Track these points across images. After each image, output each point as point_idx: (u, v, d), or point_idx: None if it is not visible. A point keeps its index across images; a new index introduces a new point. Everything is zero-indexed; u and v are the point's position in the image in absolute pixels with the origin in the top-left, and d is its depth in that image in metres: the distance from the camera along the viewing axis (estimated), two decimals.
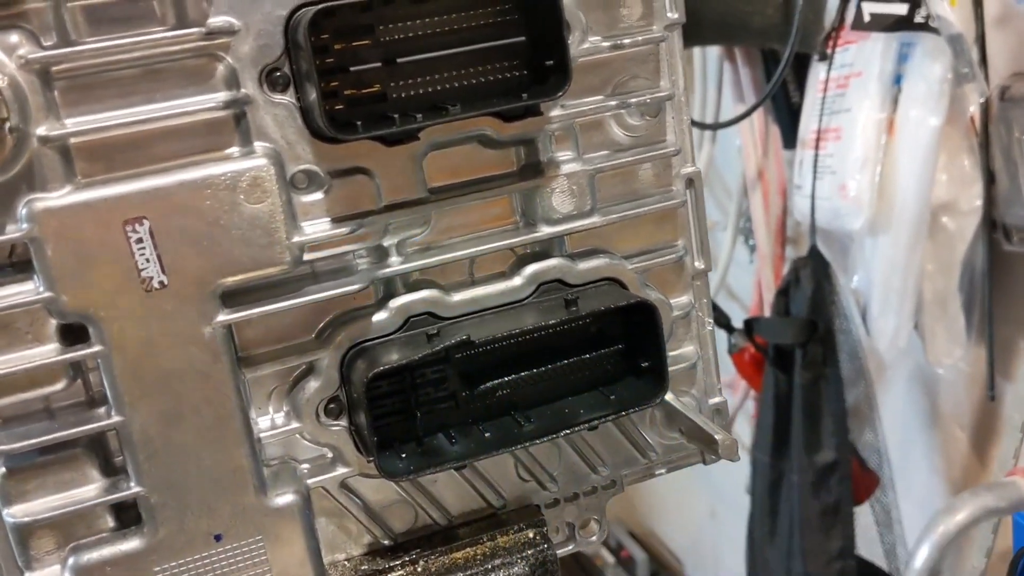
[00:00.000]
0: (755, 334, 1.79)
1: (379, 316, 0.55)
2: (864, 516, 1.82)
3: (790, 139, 1.80)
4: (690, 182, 0.60)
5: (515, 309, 0.57)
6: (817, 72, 1.63)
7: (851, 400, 1.76)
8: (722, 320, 1.89)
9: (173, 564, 0.53)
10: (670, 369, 0.61)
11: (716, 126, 1.83)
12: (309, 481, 0.57)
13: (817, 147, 1.60)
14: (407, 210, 0.53)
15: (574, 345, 0.59)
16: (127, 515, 0.53)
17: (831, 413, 1.70)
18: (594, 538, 0.66)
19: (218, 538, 0.53)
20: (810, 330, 1.67)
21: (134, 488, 0.51)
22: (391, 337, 0.55)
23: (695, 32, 1.77)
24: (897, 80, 1.49)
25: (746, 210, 2.04)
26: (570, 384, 0.60)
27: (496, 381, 0.58)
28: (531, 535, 0.61)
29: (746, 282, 2.11)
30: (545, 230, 0.57)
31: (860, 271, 1.57)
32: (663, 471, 0.67)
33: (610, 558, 2.99)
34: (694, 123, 1.87)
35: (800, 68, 1.71)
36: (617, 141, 0.58)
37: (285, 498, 0.55)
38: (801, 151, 1.68)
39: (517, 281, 0.57)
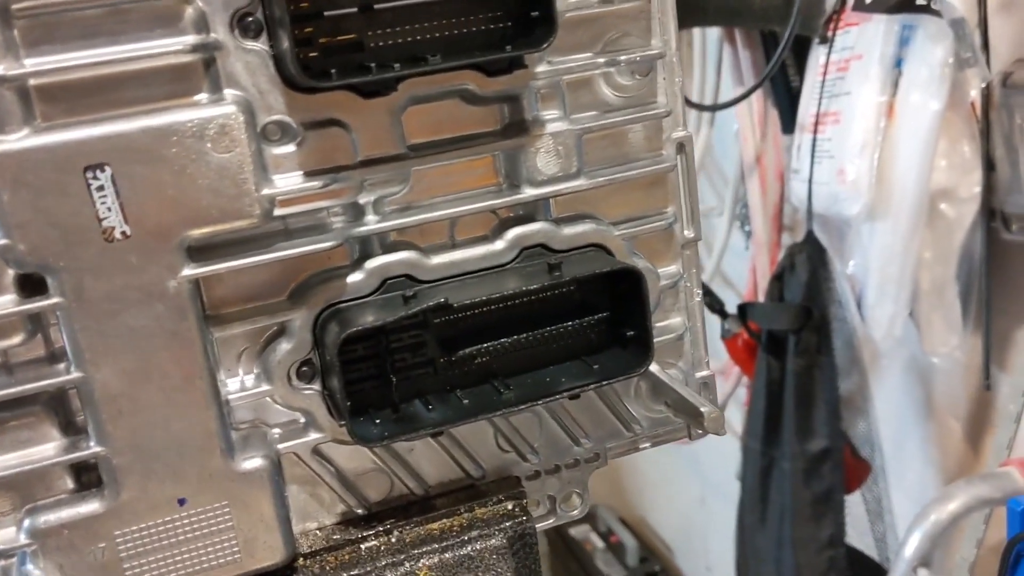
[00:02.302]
0: (749, 320, 1.77)
1: (354, 277, 0.53)
2: (855, 505, 1.80)
3: (789, 124, 1.78)
4: (681, 147, 0.58)
5: (496, 274, 0.55)
6: (817, 55, 1.61)
7: (845, 389, 1.74)
8: (716, 305, 1.88)
9: (134, 528, 0.51)
10: (656, 340, 0.59)
11: (714, 107, 1.81)
12: (280, 446, 0.55)
13: (816, 131, 1.58)
14: (384, 166, 0.51)
15: (557, 312, 0.57)
16: (88, 477, 0.52)
17: (824, 400, 1.69)
18: (576, 512, 0.64)
19: (182, 502, 0.51)
20: (804, 316, 1.65)
21: (94, 448, 0.49)
22: (366, 299, 0.53)
23: (695, 13, 1.75)
24: (898, 63, 1.47)
25: (743, 195, 2.02)
26: (552, 353, 0.58)
27: (475, 348, 0.56)
28: (510, 507, 0.59)
29: (741, 269, 2.09)
30: (529, 192, 0.55)
31: (857, 257, 1.55)
32: (648, 445, 0.65)
33: (600, 543, 2.98)
34: (692, 104, 1.85)
35: (800, 51, 1.69)
36: (606, 101, 0.56)
37: (253, 463, 0.53)
38: (799, 135, 1.66)
39: (499, 245, 0.55)
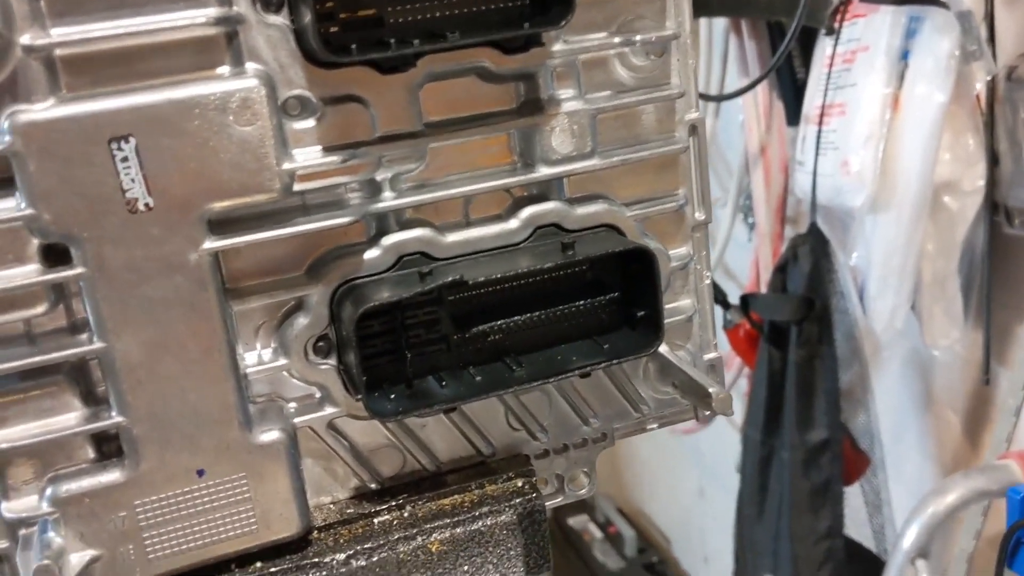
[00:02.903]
0: (751, 310, 1.78)
1: (371, 253, 0.54)
2: (854, 497, 1.81)
3: (794, 116, 1.79)
4: (693, 128, 0.59)
5: (510, 252, 0.56)
6: (824, 46, 1.62)
7: (845, 381, 1.75)
8: (718, 296, 1.88)
9: (154, 498, 0.51)
10: (666, 321, 0.60)
11: (720, 98, 1.82)
12: (296, 420, 0.56)
13: (821, 123, 1.59)
14: (402, 143, 0.52)
15: (569, 292, 0.58)
16: (109, 447, 0.52)
17: (825, 392, 1.70)
18: (583, 491, 0.65)
19: (200, 473, 0.52)
20: (806, 308, 1.66)
21: (116, 418, 0.50)
22: (382, 276, 0.54)
23: (702, 4, 1.75)
24: (904, 55, 1.47)
25: (747, 187, 2.02)
26: (564, 332, 0.59)
27: (488, 325, 0.56)
28: (520, 484, 0.60)
29: (744, 261, 2.10)
30: (544, 171, 0.55)
31: (859, 249, 1.56)
32: (655, 426, 0.66)
33: (598, 534, 2.99)
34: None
35: (807, 43, 1.70)
36: (620, 81, 0.56)
37: (270, 435, 0.53)
38: (804, 127, 1.66)
39: (513, 224, 0.56)
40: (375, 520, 0.57)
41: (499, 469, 0.61)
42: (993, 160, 1.44)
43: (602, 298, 0.58)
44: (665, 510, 3.00)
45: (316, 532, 0.57)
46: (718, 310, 1.92)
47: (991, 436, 1.59)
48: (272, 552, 0.55)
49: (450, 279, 0.52)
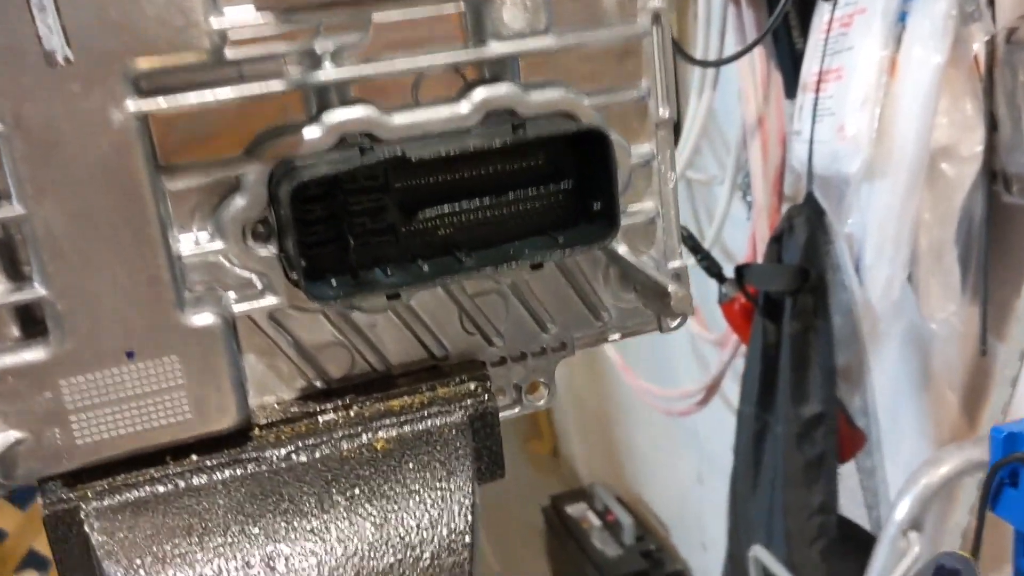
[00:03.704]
0: (746, 282, 1.76)
1: (311, 132, 0.52)
2: (849, 476, 1.79)
3: (792, 88, 1.76)
4: (656, 17, 0.57)
5: (459, 134, 0.54)
6: (822, 13, 1.59)
7: (842, 358, 1.72)
8: (713, 269, 1.86)
9: (81, 379, 0.49)
10: (626, 222, 0.58)
11: (716, 63, 1.79)
12: (235, 308, 0.53)
13: (818, 90, 1.57)
14: (341, 8, 0.50)
15: (522, 180, 0.55)
16: (36, 328, 0.50)
17: (819, 365, 1.67)
18: (542, 402, 0.62)
19: (130, 355, 0.50)
20: (802, 278, 1.63)
21: (39, 291, 0.48)
22: (323, 156, 0.52)
23: None
24: (902, 17, 1.45)
25: (744, 163, 2.00)
26: (517, 228, 0.56)
27: (437, 212, 0.54)
28: (472, 387, 0.58)
29: (742, 240, 2.07)
30: (495, 46, 0.53)
31: (854, 216, 1.53)
32: (617, 336, 0.63)
33: (596, 521, 2.97)
34: (692, 60, 1.83)
35: (805, 13, 1.67)
36: None
37: (205, 318, 0.51)
38: (802, 96, 1.64)
39: (464, 106, 0.54)
40: (320, 419, 0.55)
41: (452, 372, 0.59)
42: (992, 125, 1.41)
43: (556, 186, 0.55)
44: (663, 497, 2.97)
45: (258, 430, 0.55)
46: (713, 284, 1.89)
47: (987, 413, 1.57)
48: (209, 445, 0.53)
49: (392, 154, 0.50)
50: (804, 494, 1.67)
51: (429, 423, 0.55)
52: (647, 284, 0.58)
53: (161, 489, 0.51)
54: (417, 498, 0.51)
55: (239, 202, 0.52)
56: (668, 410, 2.38)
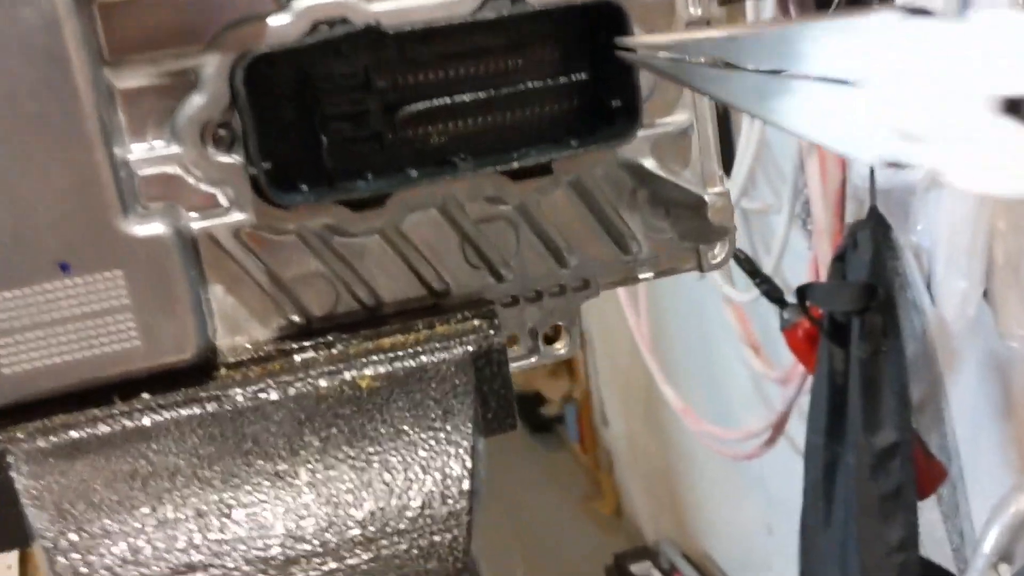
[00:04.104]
0: (809, 304, 1.65)
1: (279, 19, 0.45)
2: (929, 511, 1.66)
3: None
4: None
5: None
6: None
7: (916, 387, 1.61)
8: (773, 293, 1.76)
9: (6, 295, 0.42)
10: (655, 132, 0.50)
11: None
12: (195, 225, 0.46)
13: None
14: None
15: (528, 70, 0.48)
16: None
17: (892, 389, 1.55)
18: (563, 351, 0.54)
19: (64, 268, 0.43)
20: (869, 295, 1.52)
21: None
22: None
23: None
24: (965, 8, 1.36)
25: (802, 189, 1.90)
26: (523, 137, 0.49)
27: (426, 106, 0.46)
28: (476, 323, 0.49)
29: (802, 272, 1.97)
30: None
31: (922, 224, 1.44)
32: (649, 274, 0.54)
33: None
34: None
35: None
36: None
37: (154, 228, 0.44)
38: None
39: None
40: (296, 357, 0.47)
41: (454, 310, 0.51)
42: None
43: (566, 80, 0.48)
44: (731, 550, 2.82)
45: (224, 369, 0.47)
46: (773, 320, 1.79)
47: None
48: (164, 383, 0.45)
49: (363, 26, 0.43)
50: (881, 529, 1.54)
51: (424, 359, 0.47)
52: (679, 199, 0.50)
53: (104, 430, 0.43)
54: (406, 439, 0.43)
55: (196, 100, 0.45)
56: (733, 454, 2.25)
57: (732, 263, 2.05)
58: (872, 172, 1.52)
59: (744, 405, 2.37)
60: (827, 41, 0.33)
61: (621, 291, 2.49)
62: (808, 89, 0.34)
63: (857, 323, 1.55)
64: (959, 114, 0.30)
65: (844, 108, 0.33)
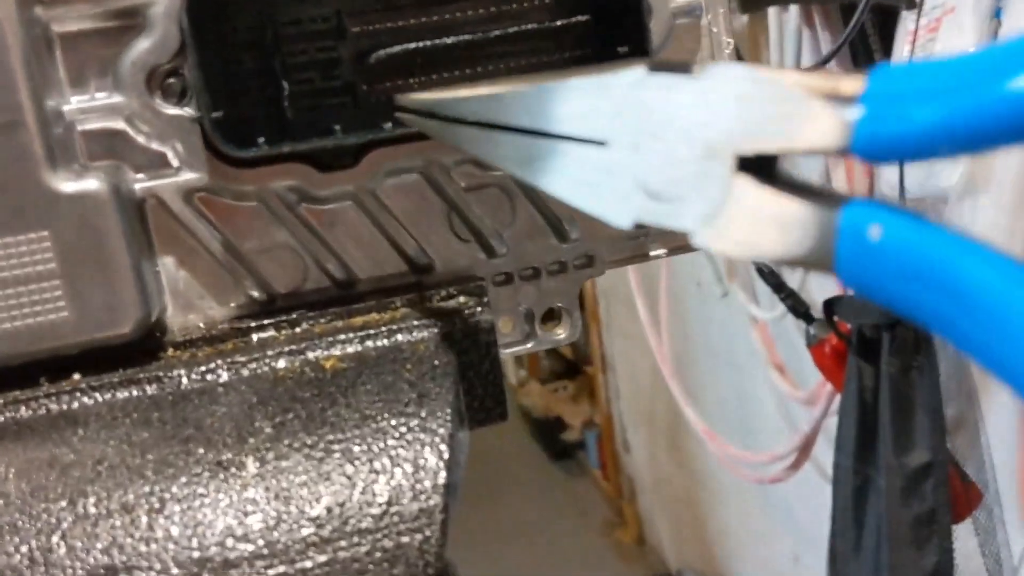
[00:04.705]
0: (837, 318, 1.58)
1: None
2: (965, 538, 1.58)
3: None
4: None
5: None
6: (906, 25, 1.45)
7: (950, 407, 1.53)
8: (799, 308, 1.70)
9: None
10: None
11: None
12: (140, 185, 0.40)
13: None
14: None
15: (524, 13, 0.42)
16: None
17: (925, 407, 1.48)
18: (563, 335, 0.47)
19: None
20: None
21: None
22: None
23: None
24: (997, 14, 1.30)
25: None
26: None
27: (401, 48, 0.41)
28: (462, 300, 0.43)
29: (829, 285, 1.90)
30: None
31: None
32: (661, 251, 0.48)
33: None
34: None
35: (886, 30, 1.54)
36: None
37: (85, 184, 0.38)
38: None
39: None
40: (253, 336, 0.42)
41: (438, 288, 0.45)
42: None
43: (565, 20, 0.42)
44: None
45: (171, 350, 0.41)
46: (799, 337, 1.72)
47: None
48: (100, 362, 0.39)
49: None
50: (914, 555, 1.47)
51: (400, 338, 0.41)
52: None
53: (25, 413, 0.37)
54: (373, 425, 0.37)
55: (142, 43, 0.39)
56: (758, 478, 2.18)
57: (756, 277, 1.98)
58: (901, 180, 1.46)
59: (769, 428, 2.30)
60: (580, 99, 0.31)
61: (642, 312, 2.42)
62: (566, 150, 0.31)
63: (887, 338, 1.48)
64: (700, 173, 0.28)
65: (598, 169, 0.30)
